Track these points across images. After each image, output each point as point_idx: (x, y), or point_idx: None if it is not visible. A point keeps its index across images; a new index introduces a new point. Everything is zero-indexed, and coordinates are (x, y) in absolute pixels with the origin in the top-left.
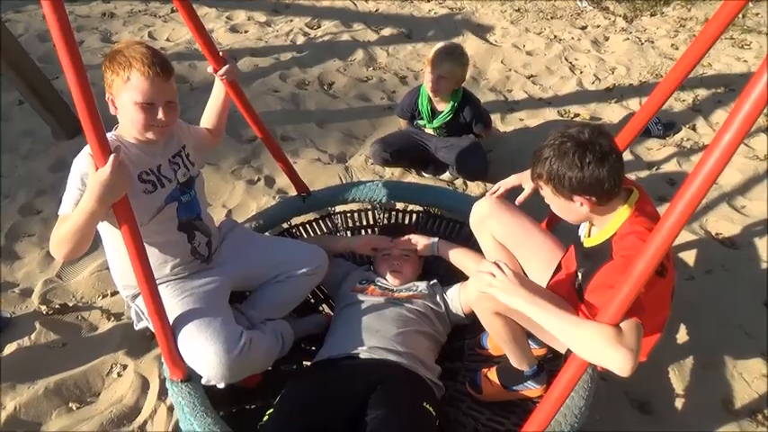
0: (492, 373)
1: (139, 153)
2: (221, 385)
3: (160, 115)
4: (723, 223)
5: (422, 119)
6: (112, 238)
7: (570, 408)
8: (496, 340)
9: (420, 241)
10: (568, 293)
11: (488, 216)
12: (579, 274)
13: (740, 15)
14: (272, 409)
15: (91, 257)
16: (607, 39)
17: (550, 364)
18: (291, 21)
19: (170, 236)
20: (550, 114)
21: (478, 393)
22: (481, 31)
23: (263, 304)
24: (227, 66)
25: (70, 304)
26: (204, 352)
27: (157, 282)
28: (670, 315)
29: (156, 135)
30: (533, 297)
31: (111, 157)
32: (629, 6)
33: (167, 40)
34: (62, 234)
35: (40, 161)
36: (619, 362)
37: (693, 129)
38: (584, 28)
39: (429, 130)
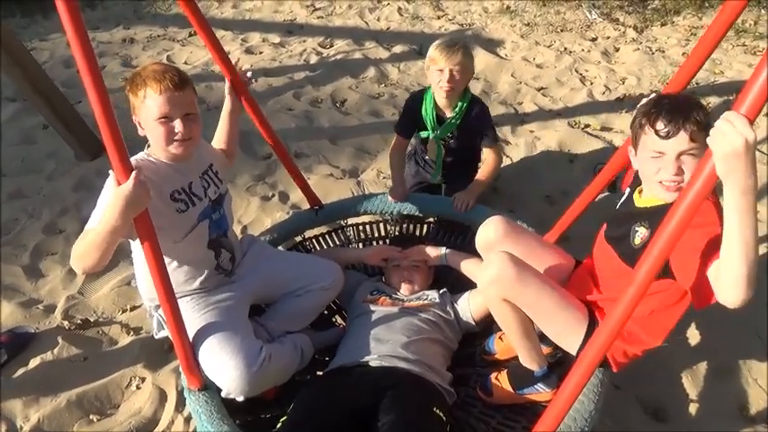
0: (503, 376)
1: (171, 171)
2: (240, 398)
3: (178, 128)
4: None
5: (425, 130)
6: (140, 253)
7: (580, 412)
8: (505, 331)
9: (429, 251)
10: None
11: (495, 240)
12: (636, 230)
13: (753, 22)
14: (284, 417)
15: (111, 274)
16: (617, 49)
17: (560, 368)
18: (305, 41)
19: (199, 253)
20: (560, 125)
21: (489, 396)
22: (491, 45)
23: (281, 317)
24: (243, 78)
25: (91, 319)
26: (225, 367)
27: (180, 295)
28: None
29: (180, 149)
30: None
31: (134, 173)
32: (640, 17)
33: (185, 63)
34: (84, 246)
35: (63, 182)
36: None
37: None
38: (594, 39)
39: (430, 160)
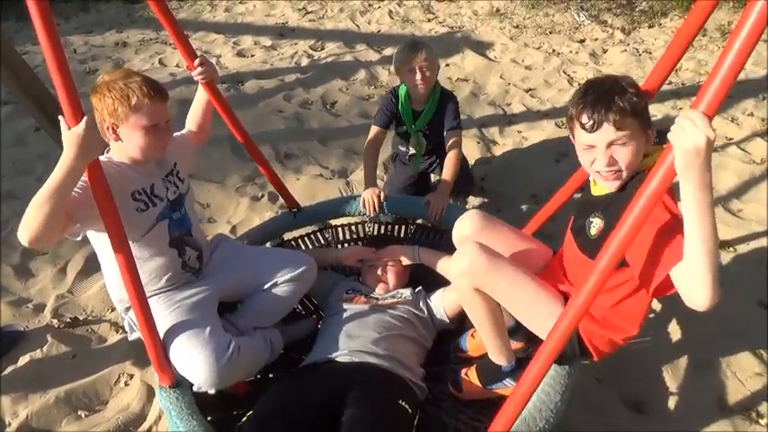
0: (472, 372)
1: (133, 173)
2: (212, 391)
3: (163, 135)
4: (719, 226)
5: (403, 125)
6: (106, 254)
7: (546, 403)
8: (475, 323)
9: (401, 251)
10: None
11: (471, 234)
12: (591, 221)
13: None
14: (251, 412)
15: (101, 274)
16: (605, 51)
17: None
18: (296, 44)
19: (161, 251)
20: (548, 126)
21: (459, 392)
22: (481, 47)
23: (250, 313)
24: (200, 67)
25: (81, 318)
26: (194, 360)
27: (149, 294)
28: (665, 316)
29: (160, 152)
30: None
31: (86, 117)
32: (627, 19)
33: (177, 65)
34: (30, 208)
35: None
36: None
37: None
38: (582, 41)
39: (411, 149)
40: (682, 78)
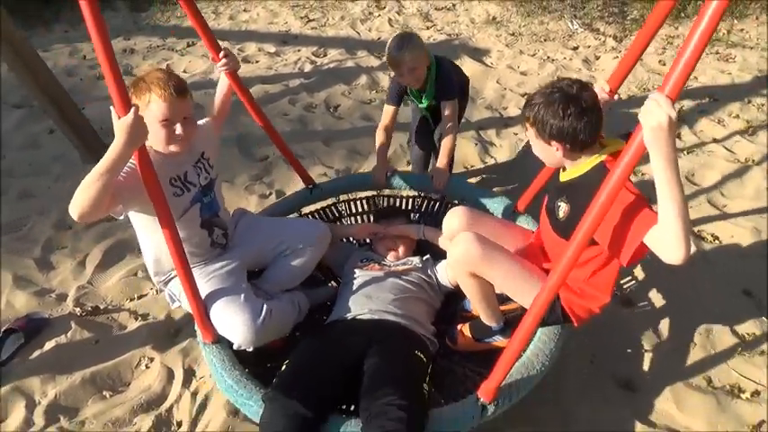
0: (466, 328)
1: (168, 162)
2: (250, 349)
3: (179, 130)
4: (705, 221)
5: (413, 101)
6: (147, 230)
7: (542, 350)
8: (470, 298)
9: (408, 229)
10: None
11: (459, 229)
12: (559, 205)
13: (726, 31)
14: (287, 360)
15: (118, 266)
16: (598, 58)
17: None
18: (299, 50)
19: (193, 232)
20: None
21: (454, 345)
22: (478, 54)
23: (274, 278)
24: (224, 59)
25: (101, 307)
26: (234, 323)
27: None
28: (654, 303)
29: (178, 147)
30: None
31: (133, 108)
32: (619, 27)
33: (184, 71)
34: (82, 185)
35: (71, 182)
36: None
37: (678, 137)
38: (575, 48)
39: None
40: None
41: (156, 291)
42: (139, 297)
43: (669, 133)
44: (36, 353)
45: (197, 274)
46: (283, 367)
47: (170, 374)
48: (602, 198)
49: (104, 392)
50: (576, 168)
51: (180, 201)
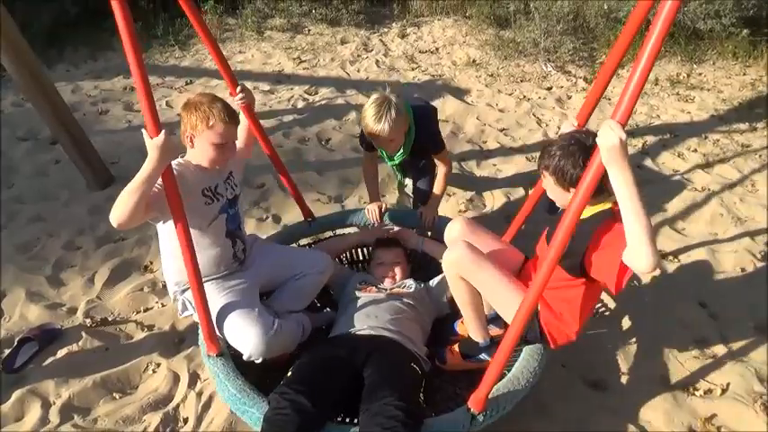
0: (455, 347)
1: (203, 174)
2: (259, 360)
3: (229, 152)
4: (667, 242)
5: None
6: (168, 244)
7: (527, 367)
8: (459, 304)
9: (410, 235)
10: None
11: (459, 236)
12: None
13: (686, 74)
14: (292, 368)
15: (125, 283)
16: (570, 97)
17: None
18: (292, 89)
19: (219, 241)
20: (519, 160)
21: (443, 364)
22: (459, 93)
23: (285, 298)
24: (241, 93)
25: (110, 319)
26: (248, 334)
27: (205, 280)
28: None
29: (223, 164)
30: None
31: (163, 130)
32: (589, 70)
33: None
34: (121, 197)
35: (79, 207)
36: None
37: (639, 167)
38: (549, 89)
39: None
40: (636, 120)
41: (161, 304)
42: (145, 310)
43: (622, 152)
44: (50, 359)
45: (215, 287)
46: (289, 374)
47: (176, 377)
48: (569, 214)
49: (115, 394)
50: (586, 211)
51: (210, 209)
